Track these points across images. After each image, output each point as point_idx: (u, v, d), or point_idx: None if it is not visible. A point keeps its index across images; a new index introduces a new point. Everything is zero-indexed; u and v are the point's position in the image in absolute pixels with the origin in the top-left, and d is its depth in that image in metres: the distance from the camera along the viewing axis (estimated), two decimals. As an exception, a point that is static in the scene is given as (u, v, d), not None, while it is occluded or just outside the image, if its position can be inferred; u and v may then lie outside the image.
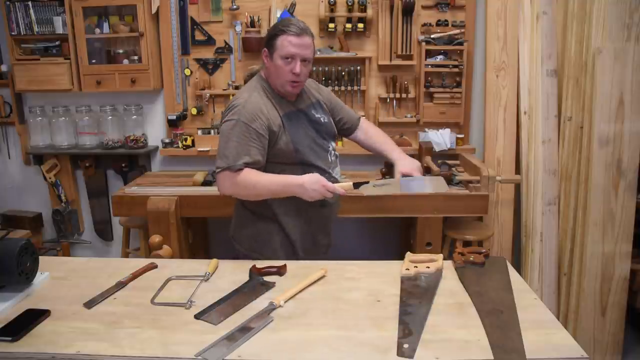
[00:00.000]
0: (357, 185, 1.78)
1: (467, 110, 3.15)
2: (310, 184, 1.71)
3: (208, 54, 3.15)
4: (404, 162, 1.94)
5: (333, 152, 1.96)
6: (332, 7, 2.97)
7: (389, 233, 3.27)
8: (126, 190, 2.76)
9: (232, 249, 2.00)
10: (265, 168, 1.80)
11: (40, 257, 1.55)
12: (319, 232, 1.97)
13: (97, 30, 3.07)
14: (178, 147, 3.17)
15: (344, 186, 1.75)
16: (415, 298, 1.42)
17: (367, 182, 1.80)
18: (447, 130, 3.05)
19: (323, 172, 1.84)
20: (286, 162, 1.82)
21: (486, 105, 3.06)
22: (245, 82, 1.98)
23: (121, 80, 3.08)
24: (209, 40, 3.13)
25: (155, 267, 1.68)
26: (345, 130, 2.12)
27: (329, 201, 1.87)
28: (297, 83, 1.82)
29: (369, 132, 2.13)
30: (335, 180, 1.87)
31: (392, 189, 1.89)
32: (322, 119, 1.94)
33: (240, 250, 1.97)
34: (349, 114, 2.11)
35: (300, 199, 1.76)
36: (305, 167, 1.83)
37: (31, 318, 1.32)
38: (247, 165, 1.73)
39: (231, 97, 3.11)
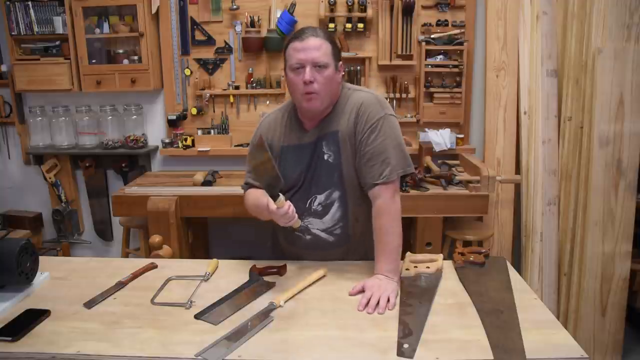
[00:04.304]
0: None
1: (467, 110, 3.15)
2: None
3: (208, 54, 3.15)
4: (371, 282, 1.48)
5: (321, 202, 1.63)
6: (332, 7, 2.96)
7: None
8: (126, 190, 2.77)
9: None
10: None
11: (40, 257, 1.55)
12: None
13: (97, 30, 3.08)
14: (178, 147, 3.17)
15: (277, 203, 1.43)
16: (415, 298, 1.42)
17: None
18: (447, 130, 3.05)
19: (300, 212, 1.59)
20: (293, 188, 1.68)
21: (486, 105, 3.06)
22: None
23: (121, 80, 3.08)
24: (209, 40, 3.13)
25: (155, 267, 1.68)
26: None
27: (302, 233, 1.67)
28: (310, 95, 1.52)
29: (379, 222, 1.56)
30: (306, 228, 1.66)
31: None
32: (326, 156, 1.61)
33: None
34: (370, 171, 1.57)
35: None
36: None
37: (31, 318, 1.31)
38: (249, 185, 1.74)
39: (231, 98, 3.16)
